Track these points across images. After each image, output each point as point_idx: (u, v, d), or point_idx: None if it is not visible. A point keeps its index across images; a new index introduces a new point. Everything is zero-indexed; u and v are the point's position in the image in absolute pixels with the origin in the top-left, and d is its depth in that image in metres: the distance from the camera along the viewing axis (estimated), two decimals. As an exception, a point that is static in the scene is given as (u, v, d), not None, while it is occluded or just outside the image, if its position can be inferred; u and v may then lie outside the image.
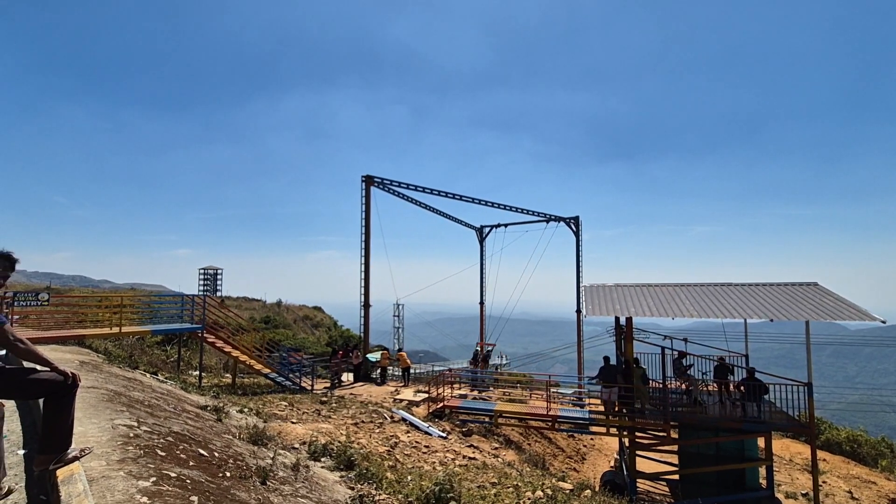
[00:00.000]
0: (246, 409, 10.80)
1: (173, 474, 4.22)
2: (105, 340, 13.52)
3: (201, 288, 79.08)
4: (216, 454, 5.70)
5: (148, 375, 11.31)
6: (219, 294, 72.17)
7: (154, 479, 3.92)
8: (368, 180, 28.45)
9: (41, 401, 3.31)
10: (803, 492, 17.31)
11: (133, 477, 3.85)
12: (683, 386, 16.55)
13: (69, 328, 13.66)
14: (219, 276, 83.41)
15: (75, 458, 3.31)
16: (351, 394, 19.32)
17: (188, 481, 4.23)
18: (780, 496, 15.94)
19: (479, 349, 31.75)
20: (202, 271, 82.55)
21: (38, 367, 3.26)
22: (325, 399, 15.87)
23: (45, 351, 3.41)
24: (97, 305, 16.34)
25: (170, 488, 3.83)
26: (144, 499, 3.44)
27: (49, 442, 3.17)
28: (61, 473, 3.09)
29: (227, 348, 16.94)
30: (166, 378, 12.41)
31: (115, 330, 13.58)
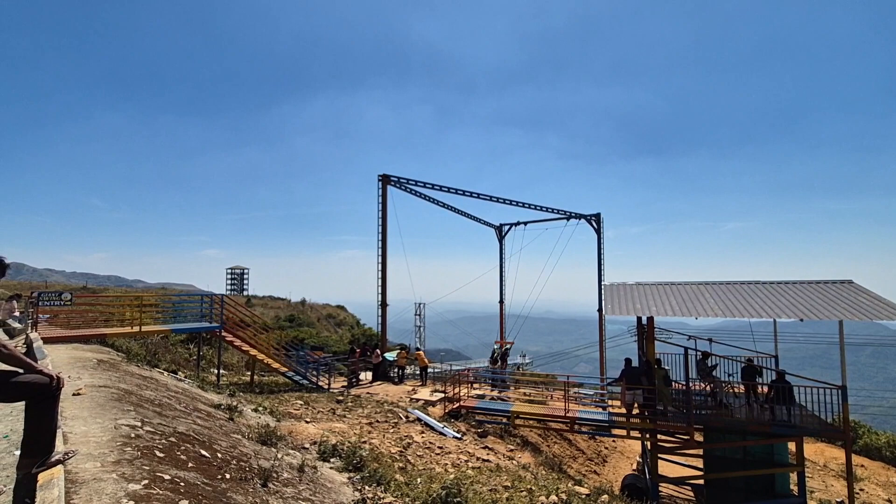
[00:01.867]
0: (261, 408, 10.86)
1: (167, 477, 4.17)
2: (128, 339, 13.85)
3: (229, 287, 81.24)
4: (219, 455, 5.66)
5: (165, 374, 11.50)
6: (245, 293, 73.85)
7: (146, 481, 3.87)
8: (385, 179, 28.35)
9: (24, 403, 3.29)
10: (838, 499, 16.49)
11: (125, 479, 3.81)
12: (708, 388, 15.98)
13: (95, 327, 14.09)
14: (246, 276, 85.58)
15: (59, 462, 3.29)
16: (367, 393, 19.35)
17: (182, 484, 4.17)
18: (812, 504, 15.25)
19: (497, 347, 31.54)
20: (230, 271, 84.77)
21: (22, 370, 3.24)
22: (340, 398, 15.92)
23: (22, 354, 3.40)
24: (119, 305, 16.80)
25: (160, 492, 3.78)
26: (131, 503, 3.39)
27: (31, 445, 3.15)
28: (43, 478, 3.05)
29: (245, 347, 17.19)
30: (186, 376, 12.61)
31: (136, 329, 13.93)
